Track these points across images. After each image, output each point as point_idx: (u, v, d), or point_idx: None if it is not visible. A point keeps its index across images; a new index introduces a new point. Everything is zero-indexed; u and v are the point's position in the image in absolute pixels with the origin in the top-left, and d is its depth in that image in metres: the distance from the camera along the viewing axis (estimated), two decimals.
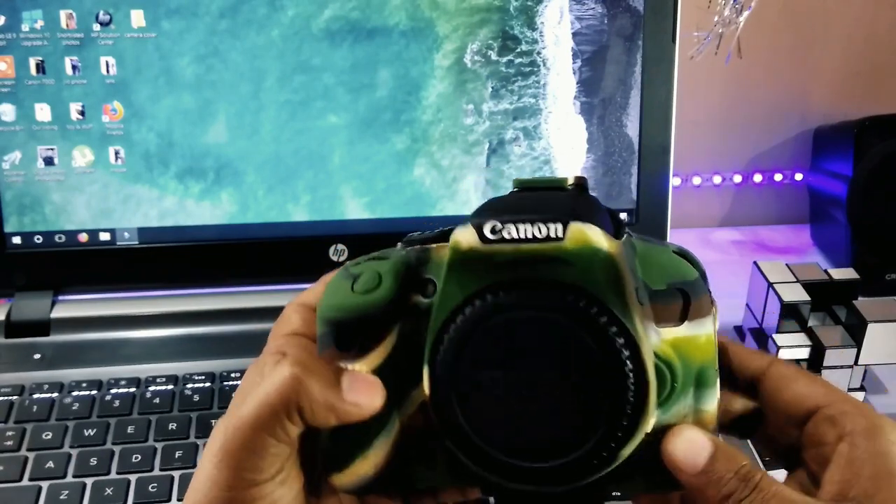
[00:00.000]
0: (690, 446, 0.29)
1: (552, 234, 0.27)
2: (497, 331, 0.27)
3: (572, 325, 0.27)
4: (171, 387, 0.57)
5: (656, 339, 0.28)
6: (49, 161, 0.61)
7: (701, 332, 0.29)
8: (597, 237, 0.26)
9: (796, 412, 0.32)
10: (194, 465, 0.50)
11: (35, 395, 0.55)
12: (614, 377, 0.27)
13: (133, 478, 0.50)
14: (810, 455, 0.31)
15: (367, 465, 0.30)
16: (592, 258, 0.26)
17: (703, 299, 0.29)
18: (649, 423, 0.28)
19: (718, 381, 0.30)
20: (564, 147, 0.65)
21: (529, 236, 0.27)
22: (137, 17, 0.60)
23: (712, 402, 0.30)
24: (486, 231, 0.27)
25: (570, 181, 0.30)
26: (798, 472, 0.32)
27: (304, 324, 0.32)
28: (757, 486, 0.29)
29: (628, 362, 0.27)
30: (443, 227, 0.29)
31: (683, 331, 0.29)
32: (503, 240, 0.27)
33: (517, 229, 0.27)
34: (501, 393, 0.28)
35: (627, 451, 0.28)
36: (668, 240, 0.66)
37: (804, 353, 0.56)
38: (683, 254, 0.30)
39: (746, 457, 0.29)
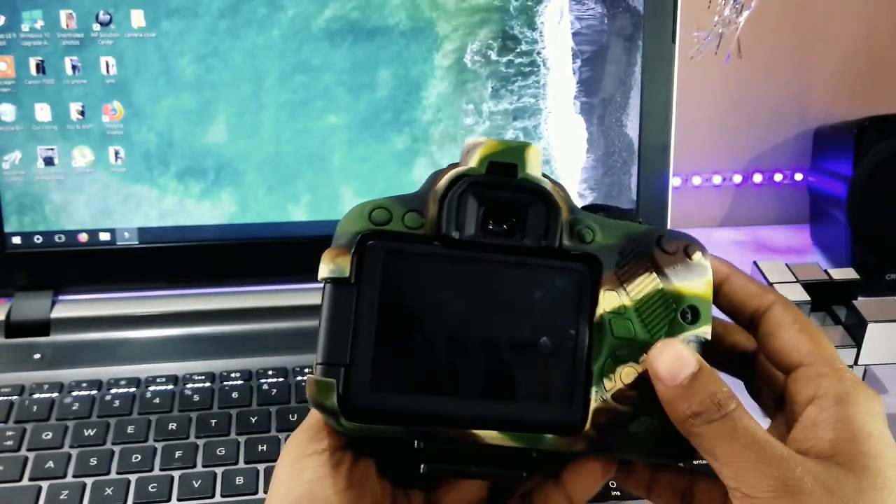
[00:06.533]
0: (676, 361, 0.30)
1: None
2: None
3: None
4: (171, 387, 0.56)
5: None
6: (49, 161, 0.61)
7: None
8: None
9: (782, 363, 0.32)
10: (194, 465, 0.50)
11: (35, 395, 0.55)
12: None
13: (133, 478, 0.50)
14: (787, 408, 0.32)
15: None
16: None
17: None
18: None
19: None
20: (564, 147, 0.65)
21: None
22: (137, 17, 0.60)
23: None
24: None
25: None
26: (777, 422, 0.33)
27: None
28: (728, 414, 0.29)
29: None
30: None
31: None
32: None
33: None
34: None
35: None
36: None
37: None
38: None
39: (728, 386, 0.30)
